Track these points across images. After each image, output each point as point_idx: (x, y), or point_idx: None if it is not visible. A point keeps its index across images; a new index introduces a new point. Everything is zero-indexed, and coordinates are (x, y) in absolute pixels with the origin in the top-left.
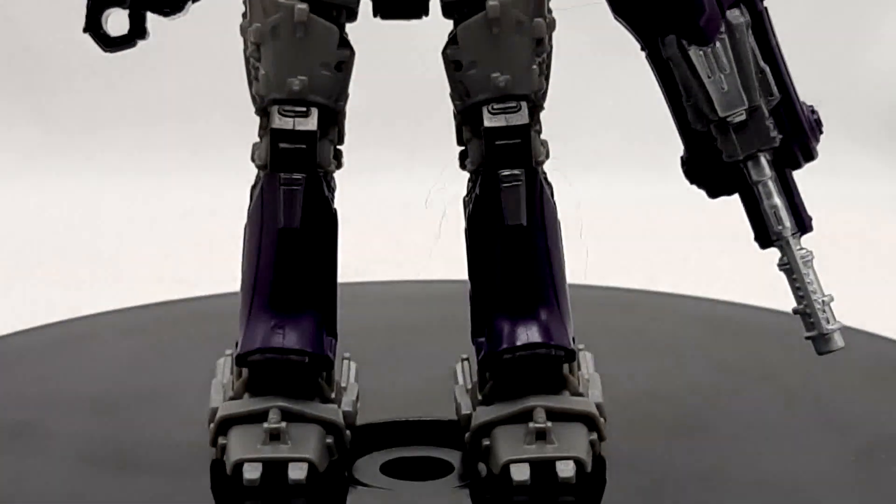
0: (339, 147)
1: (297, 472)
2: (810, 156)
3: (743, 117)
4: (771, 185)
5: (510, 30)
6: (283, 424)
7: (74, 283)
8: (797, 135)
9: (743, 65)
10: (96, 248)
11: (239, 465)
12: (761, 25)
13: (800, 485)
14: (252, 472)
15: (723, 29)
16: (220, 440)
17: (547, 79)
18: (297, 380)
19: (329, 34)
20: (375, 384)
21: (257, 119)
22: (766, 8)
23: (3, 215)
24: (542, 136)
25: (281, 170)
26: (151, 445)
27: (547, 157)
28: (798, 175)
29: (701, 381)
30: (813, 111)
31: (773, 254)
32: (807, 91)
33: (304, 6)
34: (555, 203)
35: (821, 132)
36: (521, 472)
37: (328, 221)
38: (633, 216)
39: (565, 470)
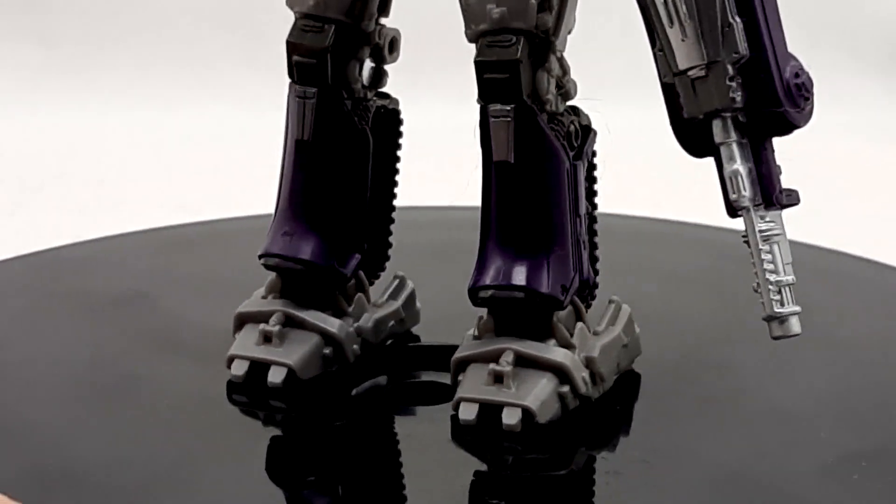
0: (380, 67)
1: (275, 376)
2: (785, 123)
3: (703, 73)
4: (735, 148)
5: None
6: (277, 328)
7: (77, 208)
8: (768, 99)
9: (704, 16)
10: (99, 172)
11: (231, 360)
12: None
13: (804, 414)
14: (238, 369)
15: None
16: (236, 334)
17: (560, 14)
18: (308, 288)
19: None
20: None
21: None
22: None
23: (6, 139)
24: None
25: (296, 81)
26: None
27: (566, 98)
28: None
29: (705, 309)
30: (798, 74)
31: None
32: (809, 18)
33: None
34: (563, 146)
35: (805, 98)
36: (468, 412)
37: (350, 138)
38: (638, 143)
39: (510, 416)
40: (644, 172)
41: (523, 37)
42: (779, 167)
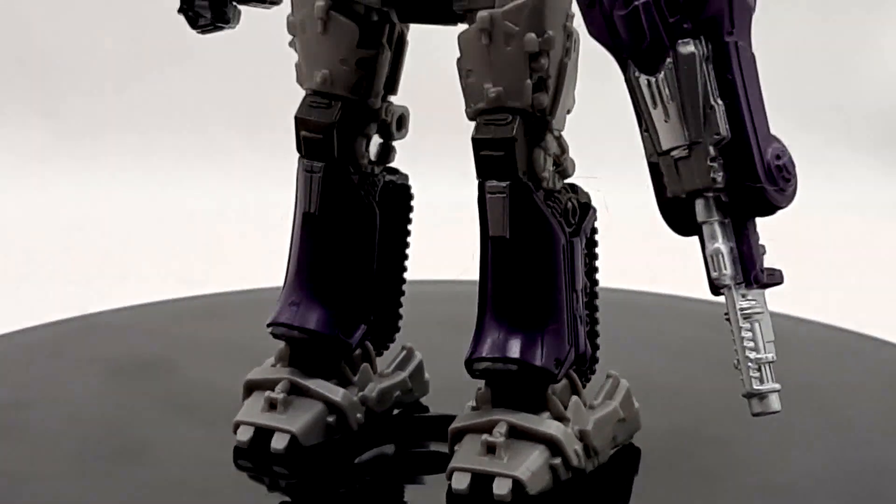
0: (388, 143)
1: (278, 442)
2: (766, 204)
3: (685, 153)
4: (717, 228)
5: (500, 41)
6: (282, 395)
7: (83, 281)
8: (749, 180)
9: (686, 98)
10: (104, 248)
11: (237, 426)
12: (724, 59)
13: (801, 489)
14: (243, 435)
15: (670, 59)
16: (244, 401)
17: (556, 95)
18: (315, 357)
19: (347, 31)
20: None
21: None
22: (735, 42)
23: (15, 214)
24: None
25: (304, 156)
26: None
27: (563, 175)
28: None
29: (703, 382)
30: (779, 156)
31: (768, 259)
32: (806, 98)
33: (322, 3)
34: (559, 222)
35: (787, 179)
36: (460, 482)
37: (357, 212)
38: (636, 219)
39: (500, 487)
40: (642, 247)
41: (519, 116)
42: (762, 247)
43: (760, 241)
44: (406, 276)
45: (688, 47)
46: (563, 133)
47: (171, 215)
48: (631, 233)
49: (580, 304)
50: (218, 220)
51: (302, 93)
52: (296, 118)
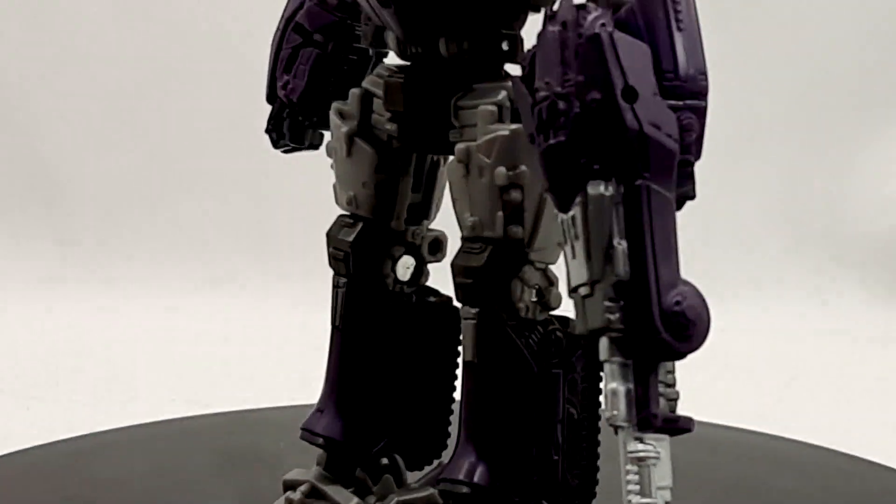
0: (420, 265)
1: None
2: (663, 349)
3: (588, 292)
4: (616, 368)
5: (476, 173)
6: (298, 497)
7: (92, 401)
8: (644, 324)
9: (591, 236)
10: (113, 369)
11: None
12: (634, 202)
13: None
14: None
15: (580, 198)
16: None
17: (534, 227)
18: (341, 463)
19: (367, 156)
20: None
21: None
22: (647, 186)
23: (26, 335)
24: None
25: (334, 271)
26: None
27: (546, 308)
28: (786, 305)
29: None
30: (679, 302)
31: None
32: (797, 225)
33: (346, 128)
34: (536, 353)
35: (684, 326)
36: None
37: (380, 329)
38: None
39: None
40: None
41: (492, 246)
42: (673, 391)
43: (675, 387)
44: (455, 395)
45: (597, 188)
46: (550, 266)
47: (178, 337)
48: None
49: (559, 434)
50: (223, 343)
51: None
52: (326, 234)
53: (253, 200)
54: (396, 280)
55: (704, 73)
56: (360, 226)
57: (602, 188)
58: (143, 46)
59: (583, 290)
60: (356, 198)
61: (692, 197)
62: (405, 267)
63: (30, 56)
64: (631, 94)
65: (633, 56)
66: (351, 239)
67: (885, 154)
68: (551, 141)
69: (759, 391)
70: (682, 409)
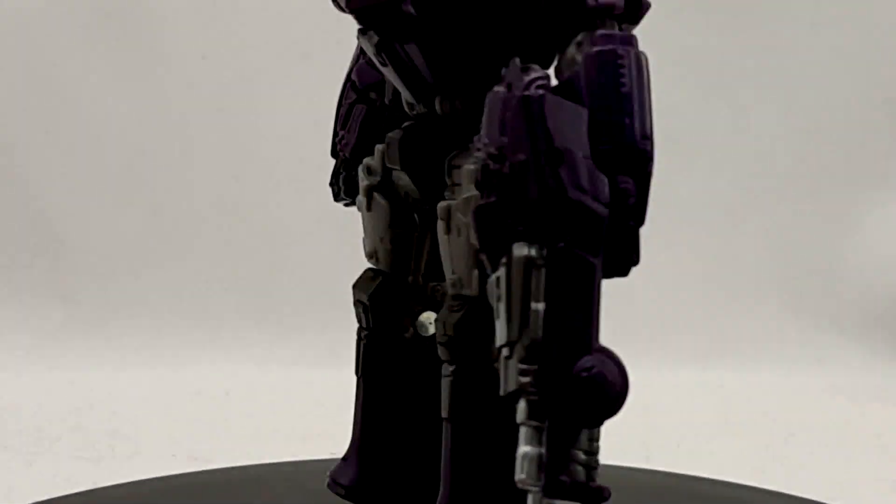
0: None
1: None
2: (583, 415)
3: (508, 353)
4: (529, 431)
5: (455, 231)
6: None
7: (94, 457)
8: (553, 387)
9: (513, 297)
10: (114, 424)
11: None
12: (555, 265)
13: None
14: None
15: (505, 259)
16: None
17: None
18: None
19: (382, 211)
20: None
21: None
22: (568, 250)
23: (30, 392)
24: None
25: (357, 321)
26: None
27: None
28: (784, 363)
29: None
30: (589, 369)
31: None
32: (795, 284)
33: (366, 183)
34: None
35: (591, 394)
36: None
37: (398, 381)
38: (627, 402)
39: None
40: (637, 423)
41: (468, 304)
42: (594, 459)
43: (594, 456)
44: None
45: (521, 250)
46: None
47: (179, 393)
48: (626, 408)
49: None
50: (225, 398)
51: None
52: (352, 286)
53: (254, 260)
54: (416, 333)
55: (648, 138)
56: (379, 279)
57: (525, 250)
58: (147, 106)
59: (504, 352)
60: (376, 252)
61: (635, 262)
62: (428, 322)
63: (33, 113)
64: (555, 157)
65: (564, 118)
66: (369, 292)
67: (882, 214)
68: (482, 201)
69: (757, 448)
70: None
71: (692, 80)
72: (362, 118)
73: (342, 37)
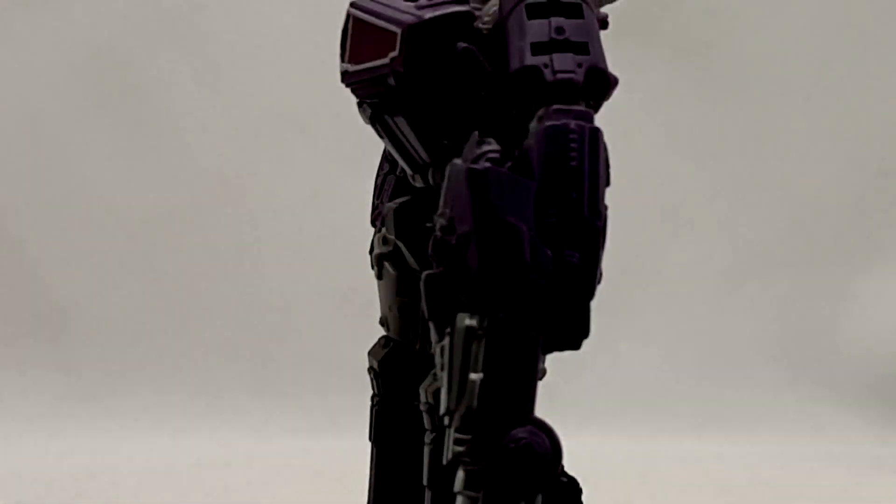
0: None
1: None
2: (502, 485)
3: (447, 422)
4: (466, 502)
5: None
6: None
7: None
8: (484, 458)
9: (453, 366)
10: (114, 494)
11: None
12: (493, 336)
13: None
14: None
15: (449, 328)
16: None
17: None
18: None
19: (391, 279)
20: None
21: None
22: (505, 320)
23: (28, 461)
24: None
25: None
26: None
27: None
28: (782, 432)
29: None
30: (516, 441)
31: None
32: (792, 355)
33: (377, 251)
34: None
35: (520, 466)
36: None
37: (407, 447)
38: (626, 472)
39: None
40: (633, 495)
41: None
42: None
43: None
44: None
45: (463, 320)
46: None
47: (180, 464)
48: (623, 478)
49: None
50: (225, 468)
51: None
52: (367, 353)
53: (254, 330)
54: (426, 400)
55: (598, 213)
56: (390, 346)
57: (467, 320)
58: (148, 176)
59: (446, 420)
60: (387, 320)
61: (585, 335)
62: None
63: (35, 182)
64: (498, 230)
65: (508, 191)
66: (379, 359)
67: (878, 285)
68: (429, 271)
69: None
70: None
71: (689, 150)
72: (392, 188)
73: (340, 110)
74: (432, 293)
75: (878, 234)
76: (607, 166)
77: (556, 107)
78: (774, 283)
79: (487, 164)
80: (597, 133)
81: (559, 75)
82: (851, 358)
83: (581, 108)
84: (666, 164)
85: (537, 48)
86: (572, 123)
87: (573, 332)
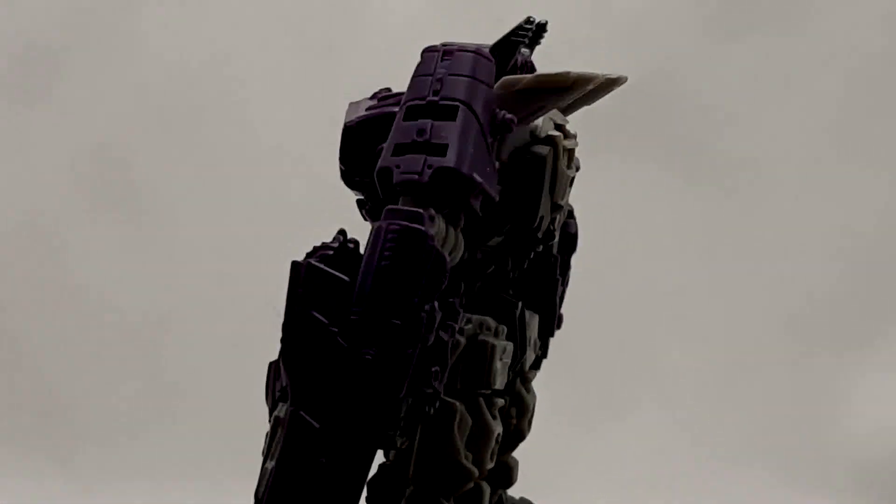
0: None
1: None
2: None
3: None
4: None
5: None
6: None
7: None
8: None
9: (267, 454)
10: None
11: None
12: (285, 427)
13: None
14: None
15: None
16: None
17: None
18: None
19: None
20: None
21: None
22: (298, 413)
23: None
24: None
25: None
26: None
27: None
28: None
29: None
30: None
31: None
32: (785, 451)
33: None
34: None
35: None
36: None
37: None
38: None
39: None
40: None
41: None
42: None
43: None
44: None
45: (278, 410)
46: None
47: None
48: None
49: None
50: None
51: None
52: None
53: (252, 421)
54: None
55: (402, 316)
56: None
57: (278, 410)
58: (143, 269)
59: None
60: None
61: (393, 430)
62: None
63: (31, 274)
64: (301, 322)
65: (322, 287)
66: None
67: (872, 379)
68: (271, 360)
69: None
70: None
71: (684, 246)
72: None
73: (349, 204)
74: (269, 381)
75: (871, 326)
76: (436, 268)
77: (388, 207)
78: (767, 378)
79: (308, 260)
80: (416, 234)
81: (403, 176)
82: (846, 454)
83: (412, 209)
84: (660, 260)
85: (398, 149)
86: (394, 224)
87: (382, 428)
